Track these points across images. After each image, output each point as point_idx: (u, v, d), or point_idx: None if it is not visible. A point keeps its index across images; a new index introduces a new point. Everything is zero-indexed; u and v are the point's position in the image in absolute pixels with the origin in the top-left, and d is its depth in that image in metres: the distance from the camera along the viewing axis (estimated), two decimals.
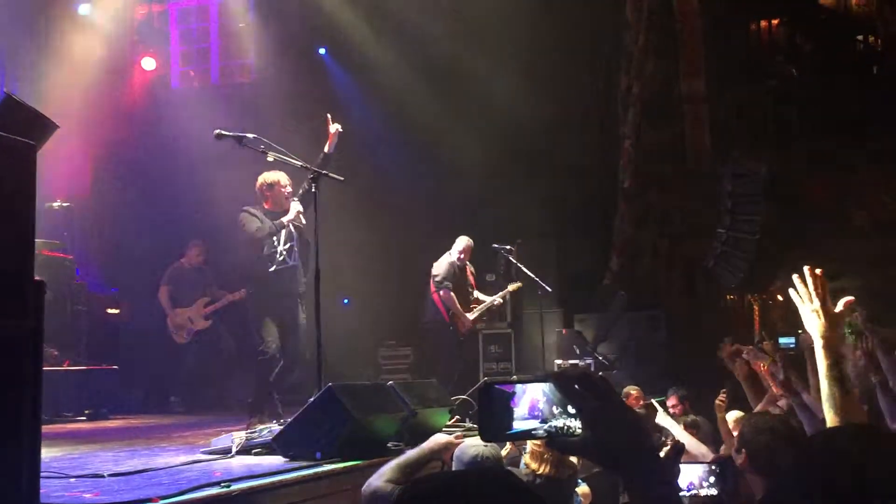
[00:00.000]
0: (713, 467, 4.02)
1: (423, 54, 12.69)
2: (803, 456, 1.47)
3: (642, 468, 1.50)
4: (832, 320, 2.92)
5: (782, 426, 3.86)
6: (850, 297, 3.06)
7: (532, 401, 1.59)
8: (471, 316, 9.74)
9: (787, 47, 15.82)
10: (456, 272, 9.70)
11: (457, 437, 4.56)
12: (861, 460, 1.40)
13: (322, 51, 13.61)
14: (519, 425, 1.58)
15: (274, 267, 7.27)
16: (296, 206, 7.25)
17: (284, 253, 7.29)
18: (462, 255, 9.80)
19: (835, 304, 2.97)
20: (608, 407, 1.53)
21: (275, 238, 7.25)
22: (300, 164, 6.49)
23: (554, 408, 1.59)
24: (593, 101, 13.79)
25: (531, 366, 11.06)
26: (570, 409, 1.58)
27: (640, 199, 13.33)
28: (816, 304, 2.92)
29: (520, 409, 1.58)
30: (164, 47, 13.64)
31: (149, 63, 13.08)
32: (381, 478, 4.01)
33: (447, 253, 9.76)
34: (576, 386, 1.55)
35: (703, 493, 4.24)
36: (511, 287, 10.35)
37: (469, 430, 6.52)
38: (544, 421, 1.59)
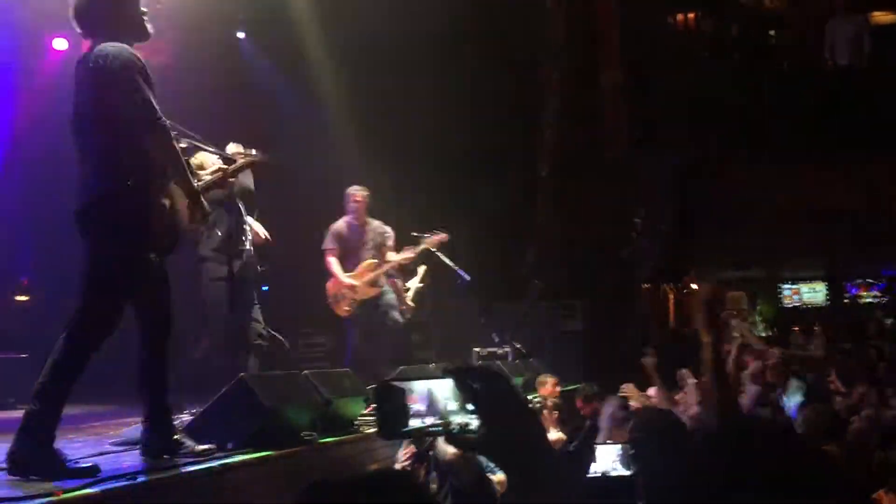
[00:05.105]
0: (630, 449, 4.06)
1: (344, 39, 12.60)
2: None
3: (537, 467, 1.51)
4: None
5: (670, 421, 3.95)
6: None
7: (430, 397, 1.59)
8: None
9: (704, 40, 16.15)
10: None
11: None
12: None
13: (241, 35, 13.41)
14: (416, 422, 1.58)
15: None
16: None
17: None
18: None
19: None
20: (504, 404, 1.54)
21: None
22: (213, 151, 6.36)
23: (452, 404, 1.59)
24: (513, 90, 13.87)
25: (450, 355, 11.09)
26: (469, 406, 1.58)
27: (558, 189, 13.46)
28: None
29: (418, 406, 1.59)
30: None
31: (60, 43, 12.69)
32: None
33: None
34: (473, 383, 1.55)
35: (613, 473, 4.28)
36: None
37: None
38: (442, 417, 1.59)
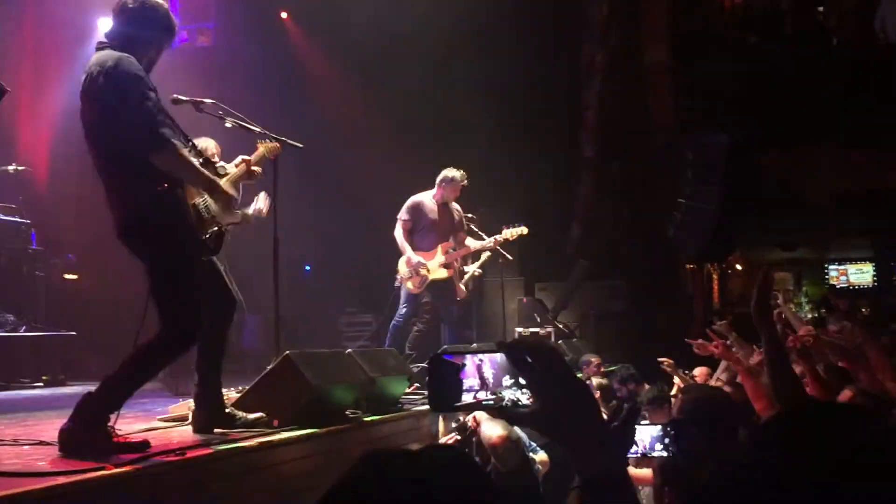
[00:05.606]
0: (668, 429, 4.06)
1: (386, 17, 12.58)
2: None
3: (589, 440, 1.50)
4: None
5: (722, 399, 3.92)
6: None
7: (482, 371, 1.58)
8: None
9: (750, 16, 15.87)
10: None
11: None
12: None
13: (284, 15, 13.46)
14: (469, 396, 1.57)
15: None
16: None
17: None
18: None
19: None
20: (557, 378, 1.52)
21: None
22: (259, 130, 6.36)
23: (504, 378, 1.58)
24: (556, 70, 13.76)
25: (492, 334, 11.08)
26: (521, 380, 1.57)
27: (602, 169, 13.35)
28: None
29: (470, 380, 1.58)
30: None
31: (107, 25, 12.78)
32: None
33: None
34: (526, 357, 1.54)
35: (654, 454, 4.27)
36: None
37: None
38: (494, 392, 1.58)
